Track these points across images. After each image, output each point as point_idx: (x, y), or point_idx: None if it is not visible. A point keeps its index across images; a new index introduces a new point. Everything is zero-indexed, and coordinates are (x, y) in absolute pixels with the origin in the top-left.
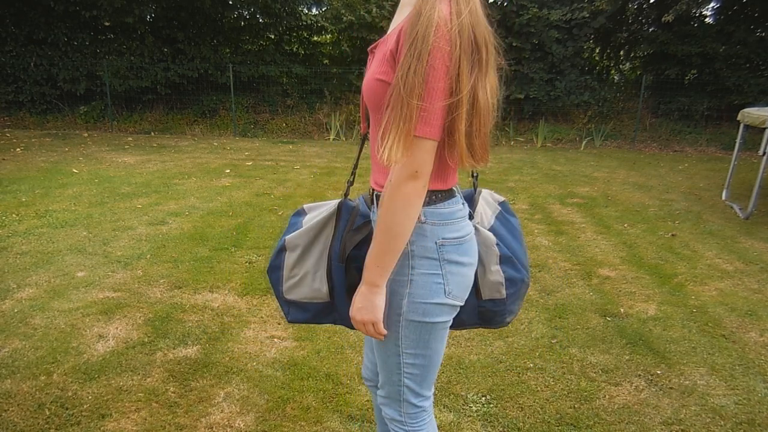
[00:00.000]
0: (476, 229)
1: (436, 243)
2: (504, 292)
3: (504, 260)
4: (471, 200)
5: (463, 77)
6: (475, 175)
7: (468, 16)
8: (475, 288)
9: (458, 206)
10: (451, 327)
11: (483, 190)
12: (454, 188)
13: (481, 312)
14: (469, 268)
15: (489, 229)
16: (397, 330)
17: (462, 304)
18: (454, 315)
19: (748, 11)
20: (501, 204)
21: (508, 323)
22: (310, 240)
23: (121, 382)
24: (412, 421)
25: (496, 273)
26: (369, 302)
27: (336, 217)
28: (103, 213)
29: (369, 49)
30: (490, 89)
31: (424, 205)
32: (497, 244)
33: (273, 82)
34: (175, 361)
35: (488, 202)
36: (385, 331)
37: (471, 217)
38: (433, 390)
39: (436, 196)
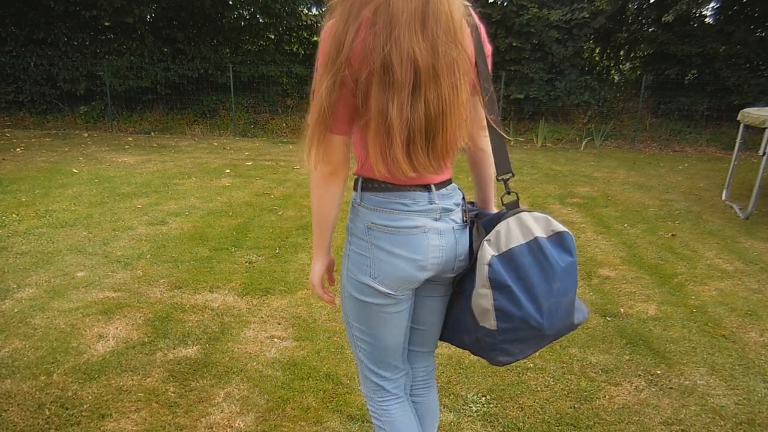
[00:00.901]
0: (482, 244)
1: (365, 225)
2: (494, 323)
3: (496, 286)
4: (499, 216)
5: (371, 93)
6: (508, 190)
7: (375, 38)
8: (470, 308)
9: (402, 200)
10: (455, 344)
11: (531, 214)
12: (403, 186)
13: (478, 338)
14: (402, 261)
15: (505, 252)
16: (344, 300)
17: (393, 293)
18: (390, 302)
19: (748, 11)
20: (553, 236)
21: (502, 364)
22: None
23: (121, 382)
24: (378, 399)
25: (484, 297)
26: (311, 266)
27: None
28: (103, 213)
29: None
30: (425, 106)
31: (362, 190)
32: (488, 264)
33: (273, 82)
34: (175, 361)
35: (526, 226)
36: (324, 295)
37: (485, 233)
38: (395, 375)
39: (379, 185)
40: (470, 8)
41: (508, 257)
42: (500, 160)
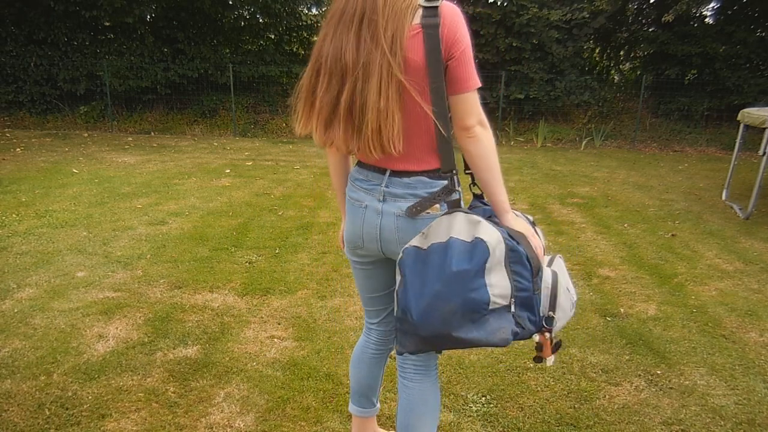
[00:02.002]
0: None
1: (347, 190)
2: (397, 308)
3: (401, 272)
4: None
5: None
6: (453, 187)
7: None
8: None
9: (360, 176)
10: None
11: (467, 216)
12: (368, 165)
13: None
14: (349, 225)
15: (428, 247)
16: None
17: (350, 248)
18: (351, 257)
19: (748, 11)
20: (473, 241)
21: (398, 353)
22: None
23: (121, 382)
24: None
25: (397, 282)
26: None
27: None
28: (103, 213)
29: None
30: (350, 97)
31: (354, 164)
32: (402, 251)
33: (273, 82)
34: (175, 361)
35: (452, 226)
36: (343, 249)
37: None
38: (368, 319)
39: (359, 162)
40: (438, 8)
41: (427, 251)
42: (443, 154)
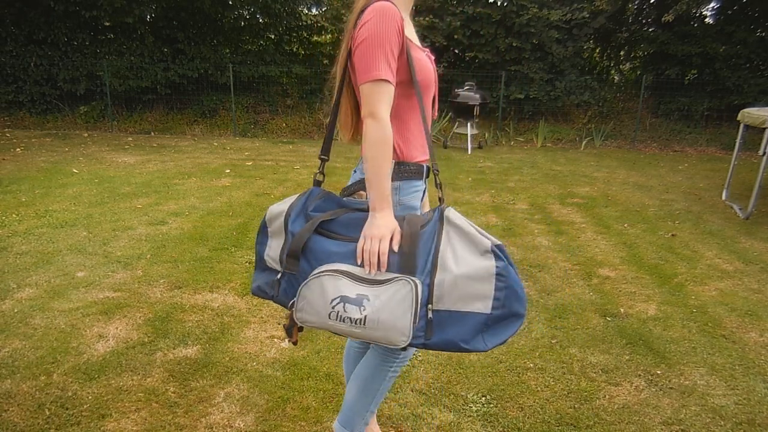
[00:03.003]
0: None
1: None
2: None
3: None
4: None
5: None
6: (320, 170)
7: None
8: None
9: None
10: None
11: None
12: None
13: None
14: None
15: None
16: None
17: None
18: None
19: (748, 11)
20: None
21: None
22: None
23: (121, 382)
24: None
25: None
26: None
27: None
28: (103, 213)
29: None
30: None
31: None
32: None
33: (273, 82)
34: (175, 361)
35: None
36: None
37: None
38: None
39: None
40: (364, 11)
41: None
42: (326, 140)
